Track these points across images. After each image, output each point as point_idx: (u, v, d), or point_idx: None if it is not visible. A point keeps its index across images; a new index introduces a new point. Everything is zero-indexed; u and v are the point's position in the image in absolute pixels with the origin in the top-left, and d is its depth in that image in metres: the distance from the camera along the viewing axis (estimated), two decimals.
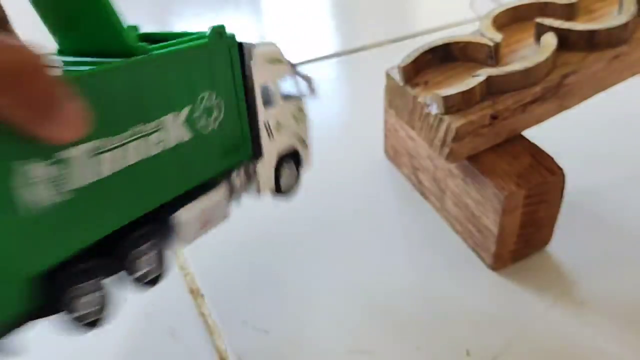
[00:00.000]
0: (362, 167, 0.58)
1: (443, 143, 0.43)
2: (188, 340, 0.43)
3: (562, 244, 0.48)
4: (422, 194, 0.54)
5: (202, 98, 0.33)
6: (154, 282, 0.33)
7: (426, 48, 0.46)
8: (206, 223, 0.35)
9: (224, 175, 0.37)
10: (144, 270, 0.32)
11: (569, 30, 0.46)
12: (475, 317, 0.44)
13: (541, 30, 0.48)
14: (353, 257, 0.49)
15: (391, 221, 0.52)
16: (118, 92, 0.29)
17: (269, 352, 0.42)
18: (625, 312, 0.44)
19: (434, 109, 0.43)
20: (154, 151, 0.31)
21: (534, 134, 0.47)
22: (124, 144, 0.29)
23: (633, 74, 0.51)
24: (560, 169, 0.44)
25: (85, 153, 0.27)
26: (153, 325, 0.44)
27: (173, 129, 0.32)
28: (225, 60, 0.34)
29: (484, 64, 0.46)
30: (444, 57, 0.47)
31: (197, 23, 0.83)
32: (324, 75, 0.72)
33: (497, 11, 0.50)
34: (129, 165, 0.30)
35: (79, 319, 0.29)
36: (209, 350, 0.43)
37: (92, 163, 0.28)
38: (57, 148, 0.26)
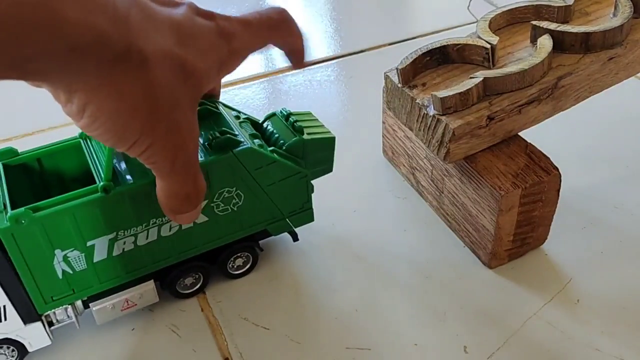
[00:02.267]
0: (360, 167, 0.58)
1: (440, 143, 0.44)
2: (190, 337, 0.44)
3: (557, 242, 0.49)
4: (420, 193, 0.54)
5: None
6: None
7: (424, 50, 0.47)
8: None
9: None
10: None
11: (564, 33, 0.47)
12: (473, 315, 0.45)
13: (537, 32, 0.48)
14: (351, 255, 0.50)
15: (389, 220, 0.52)
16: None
17: (270, 348, 0.43)
18: (620, 310, 0.44)
19: (432, 110, 0.44)
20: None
21: (530, 134, 0.47)
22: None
23: (628, 76, 0.51)
24: (556, 169, 0.44)
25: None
26: (156, 322, 0.45)
27: None
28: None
29: (480, 65, 0.47)
30: (441, 59, 0.48)
31: None
32: (324, 77, 0.72)
33: (493, 14, 0.51)
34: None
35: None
36: (211, 347, 0.43)
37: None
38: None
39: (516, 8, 0.52)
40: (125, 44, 0.28)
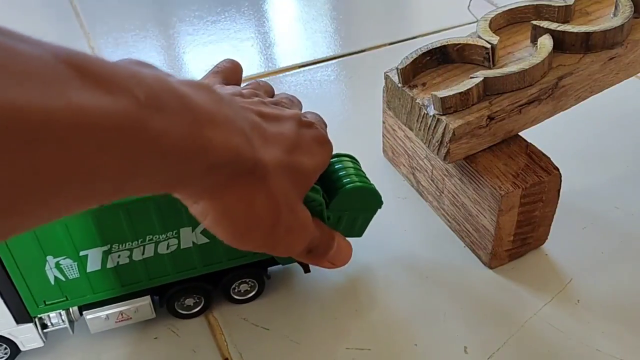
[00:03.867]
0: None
1: (440, 143, 0.44)
2: (189, 337, 0.44)
3: (558, 243, 0.49)
4: (420, 193, 0.54)
5: None
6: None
7: (424, 50, 0.47)
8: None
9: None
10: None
11: (564, 33, 0.47)
12: (473, 315, 0.45)
13: (537, 32, 0.48)
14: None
15: (389, 221, 0.52)
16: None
17: (270, 349, 0.43)
18: (620, 310, 0.44)
19: (432, 110, 0.44)
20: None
21: (530, 134, 0.47)
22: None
23: (628, 76, 0.51)
24: (556, 169, 0.44)
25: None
26: (156, 322, 0.45)
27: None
28: None
29: (480, 65, 0.47)
30: (441, 59, 0.48)
31: (199, 24, 0.84)
32: (324, 77, 0.72)
33: (493, 13, 0.50)
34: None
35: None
36: (211, 347, 0.43)
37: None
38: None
39: (516, 8, 0.52)
40: (253, 159, 0.31)
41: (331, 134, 0.61)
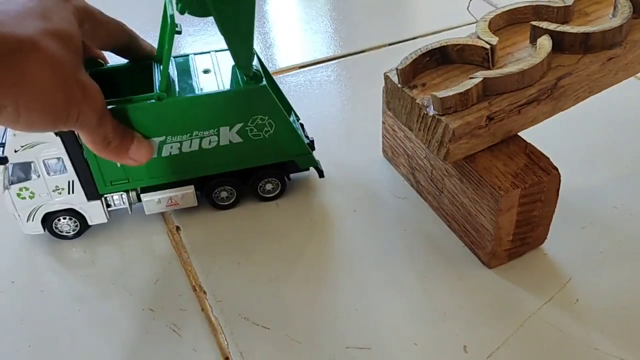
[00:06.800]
0: (360, 167, 0.58)
1: (440, 144, 0.44)
2: (190, 337, 0.44)
3: (557, 242, 0.49)
4: (420, 193, 0.55)
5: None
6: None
7: (423, 51, 0.47)
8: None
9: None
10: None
11: (563, 33, 0.47)
12: (472, 314, 0.45)
13: (536, 32, 0.48)
14: (351, 256, 0.50)
15: (389, 220, 0.53)
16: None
17: (271, 348, 0.43)
18: (619, 310, 0.45)
19: (431, 110, 0.44)
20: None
21: (529, 134, 0.47)
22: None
23: (627, 76, 0.51)
24: (556, 169, 0.44)
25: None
26: (156, 322, 0.45)
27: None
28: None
29: (480, 66, 0.47)
30: (441, 59, 0.48)
31: (199, 24, 0.84)
32: (324, 77, 0.72)
33: (493, 14, 0.51)
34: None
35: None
36: (211, 346, 0.43)
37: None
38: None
39: (516, 8, 0.52)
40: (11, 36, 0.33)
41: (331, 134, 0.62)
